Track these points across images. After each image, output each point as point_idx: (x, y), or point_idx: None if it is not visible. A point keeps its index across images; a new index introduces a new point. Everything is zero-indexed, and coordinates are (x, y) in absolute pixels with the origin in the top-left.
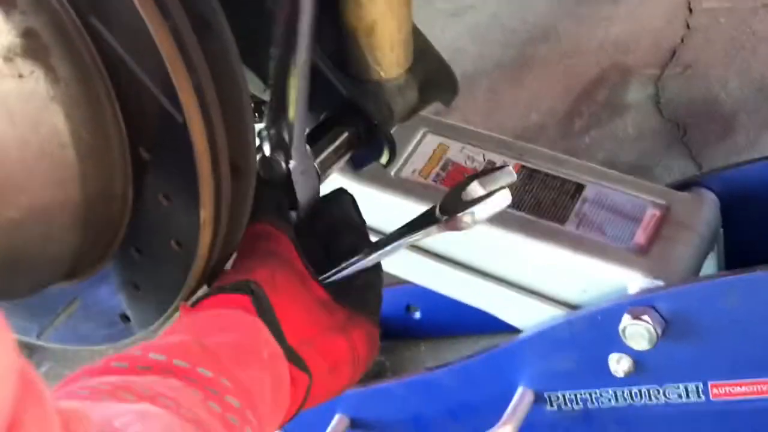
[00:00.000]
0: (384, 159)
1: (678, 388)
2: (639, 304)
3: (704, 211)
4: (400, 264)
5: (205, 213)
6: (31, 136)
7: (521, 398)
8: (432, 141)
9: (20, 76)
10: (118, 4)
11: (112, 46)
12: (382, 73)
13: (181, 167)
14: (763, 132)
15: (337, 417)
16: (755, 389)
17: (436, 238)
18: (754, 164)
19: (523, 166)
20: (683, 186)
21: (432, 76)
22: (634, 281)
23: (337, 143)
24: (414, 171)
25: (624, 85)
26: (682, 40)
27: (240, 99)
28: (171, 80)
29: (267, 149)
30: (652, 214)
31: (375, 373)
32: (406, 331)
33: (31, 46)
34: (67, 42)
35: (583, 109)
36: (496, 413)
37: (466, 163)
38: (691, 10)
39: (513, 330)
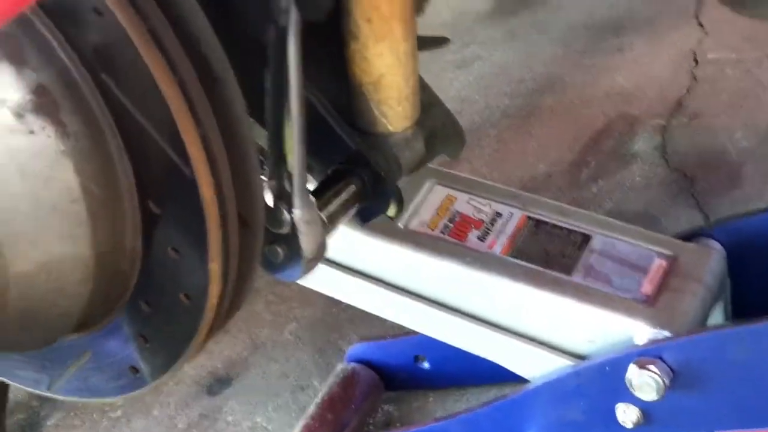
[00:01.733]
0: (391, 212)
1: None
2: (646, 355)
3: (711, 262)
4: (409, 315)
5: (214, 266)
6: (42, 191)
7: None
8: (440, 192)
9: (31, 132)
10: (127, 59)
11: (121, 101)
12: (389, 126)
13: (189, 220)
14: None
15: None
16: None
17: (443, 289)
18: (761, 215)
19: (529, 217)
20: (690, 236)
21: (439, 128)
22: (641, 331)
23: (344, 195)
24: (422, 222)
25: (630, 134)
26: (688, 91)
27: (246, 152)
28: (179, 134)
29: (270, 200)
30: (659, 264)
31: (383, 424)
32: (414, 382)
33: (42, 103)
34: (77, 97)
35: (590, 159)
36: None
37: (473, 214)
38: (696, 61)
39: (521, 380)
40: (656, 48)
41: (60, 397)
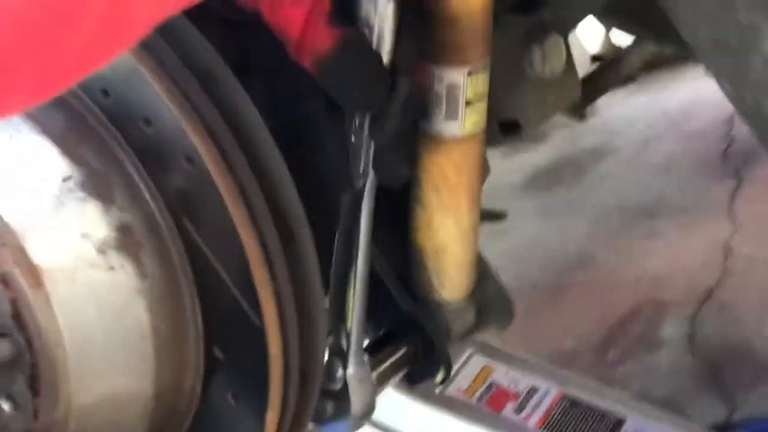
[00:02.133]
0: (439, 378)
1: None
2: None
3: None
4: None
5: (272, 415)
6: (115, 326)
7: None
8: (478, 362)
9: (111, 268)
10: (211, 208)
11: (200, 247)
12: (444, 295)
13: (253, 370)
14: None
15: None
16: None
17: None
18: None
19: (564, 395)
20: (722, 428)
21: (490, 300)
22: None
23: (395, 358)
24: (459, 389)
25: (659, 319)
26: (719, 282)
27: (316, 308)
28: (254, 286)
29: (326, 356)
30: None
31: None
32: None
33: (125, 241)
34: (158, 240)
35: (618, 340)
36: None
37: (509, 386)
38: (727, 254)
39: None
40: (689, 236)
41: None
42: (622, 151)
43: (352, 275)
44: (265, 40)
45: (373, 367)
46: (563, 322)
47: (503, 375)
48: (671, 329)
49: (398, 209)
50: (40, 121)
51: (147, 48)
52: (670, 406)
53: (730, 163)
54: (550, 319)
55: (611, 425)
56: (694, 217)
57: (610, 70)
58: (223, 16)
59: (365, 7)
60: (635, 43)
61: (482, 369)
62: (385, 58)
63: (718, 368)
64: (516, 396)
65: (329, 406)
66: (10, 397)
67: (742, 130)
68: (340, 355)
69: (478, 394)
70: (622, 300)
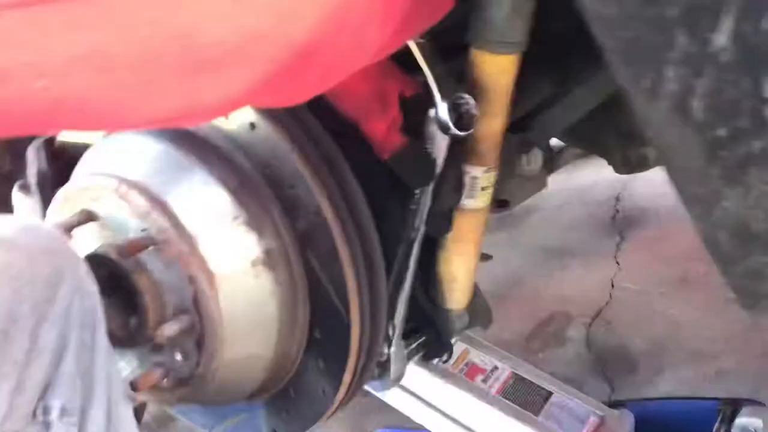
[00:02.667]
0: (444, 358)
1: None
2: None
3: (626, 423)
4: (424, 419)
5: (347, 377)
6: (255, 313)
7: None
8: (460, 347)
9: (257, 276)
10: (325, 245)
11: (314, 268)
12: (451, 306)
13: (338, 347)
14: (655, 375)
15: None
16: None
17: (453, 407)
18: (656, 402)
19: (515, 373)
20: (614, 405)
21: (477, 310)
22: None
23: (417, 343)
24: (449, 365)
25: (566, 325)
26: (606, 303)
27: (380, 312)
28: (346, 294)
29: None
30: (593, 420)
31: None
32: None
33: (268, 261)
34: (288, 261)
35: (539, 336)
36: None
37: (479, 364)
38: (613, 285)
39: None
40: (587, 272)
41: None
42: (546, 210)
43: (402, 290)
44: (357, 143)
45: (406, 348)
46: (503, 322)
47: (476, 356)
48: (574, 332)
49: (430, 250)
50: (224, 180)
51: (295, 141)
52: (572, 384)
53: (616, 226)
54: (495, 319)
55: (544, 396)
56: (591, 259)
57: (551, 164)
58: (332, 127)
59: (430, 129)
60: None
61: (462, 351)
62: (439, 159)
63: (603, 361)
64: (483, 371)
65: (376, 371)
66: (183, 352)
67: (624, 204)
68: (387, 340)
69: (459, 368)
70: (542, 310)
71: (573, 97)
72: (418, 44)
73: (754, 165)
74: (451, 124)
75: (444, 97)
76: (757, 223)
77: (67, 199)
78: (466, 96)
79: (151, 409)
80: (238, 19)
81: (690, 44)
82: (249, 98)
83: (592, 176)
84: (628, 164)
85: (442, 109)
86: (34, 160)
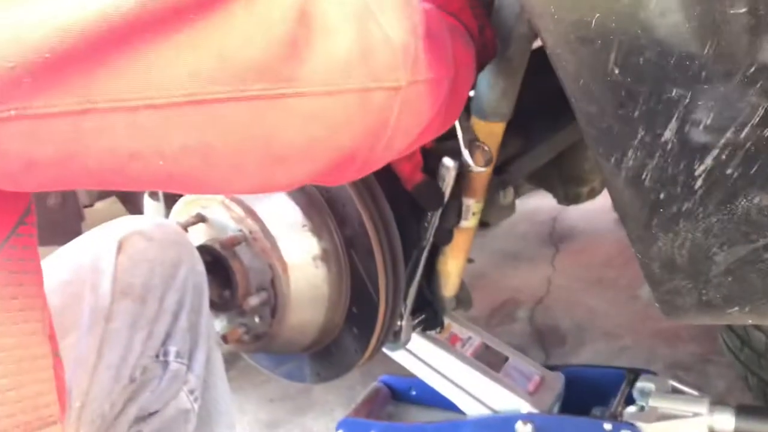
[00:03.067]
0: (438, 329)
1: None
2: (525, 418)
3: (559, 382)
4: (419, 370)
5: (374, 339)
6: (313, 292)
7: None
8: (445, 321)
9: (316, 267)
10: (364, 246)
11: (355, 262)
12: (446, 293)
13: (369, 320)
14: (579, 347)
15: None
16: None
17: (438, 363)
18: (581, 367)
19: (483, 342)
20: (550, 368)
21: (462, 296)
22: (525, 407)
23: (419, 319)
24: (437, 334)
25: (516, 308)
26: (546, 294)
27: (399, 296)
28: (377, 282)
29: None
30: (536, 377)
31: (387, 416)
32: (406, 400)
33: (324, 256)
34: (337, 257)
35: (496, 315)
36: None
37: (459, 334)
38: (550, 282)
39: (462, 413)
40: (532, 272)
41: (273, 374)
42: (503, 226)
43: (413, 281)
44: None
45: (412, 321)
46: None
47: (456, 329)
48: (522, 313)
49: (433, 255)
50: (296, 199)
51: None
52: (520, 350)
53: (553, 239)
54: None
55: (503, 359)
56: (535, 262)
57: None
58: None
59: (443, 171)
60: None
61: (447, 324)
62: (447, 192)
63: (542, 336)
64: (461, 340)
65: (392, 337)
66: (261, 317)
67: (559, 224)
68: (400, 316)
69: (445, 336)
70: (499, 296)
71: (536, 151)
72: None
73: (682, 219)
74: (471, 163)
75: (466, 144)
76: (681, 259)
77: (185, 206)
78: (484, 144)
79: (223, 350)
80: (306, 129)
81: (646, 136)
82: (306, 181)
83: (537, 202)
84: (567, 198)
85: (465, 153)
86: None
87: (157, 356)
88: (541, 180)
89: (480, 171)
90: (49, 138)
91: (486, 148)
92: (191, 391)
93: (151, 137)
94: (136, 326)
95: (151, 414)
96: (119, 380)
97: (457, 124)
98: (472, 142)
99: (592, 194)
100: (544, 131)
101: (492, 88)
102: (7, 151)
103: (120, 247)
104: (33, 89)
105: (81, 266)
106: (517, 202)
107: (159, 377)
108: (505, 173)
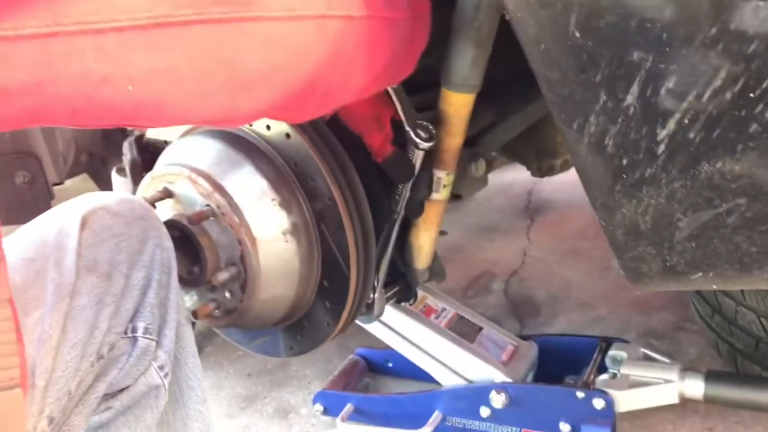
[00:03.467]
0: (411, 301)
1: (508, 428)
2: (499, 388)
3: (532, 351)
4: (394, 342)
5: (345, 314)
6: (283, 267)
7: (436, 417)
8: (420, 293)
9: (286, 241)
10: (334, 220)
11: (326, 235)
12: (419, 265)
13: (341, 292)
14: (553, 317)
15: (348, 405)
16: None
17: (412, 335)
18: (554, 336)
19: (457, 313)
20: (524, 337)
21: (435, 268)
22: (498, 376)
23: (392, 291)
24: (411, 306)
25: (492, 280)
26: (521, 266)
27: (370, 268)
28: (348, 255)
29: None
30: (510, 347)
31: (364, 388)
32: (383, 371)
33: (294, 230)
34: (307, 231)
35: (472, 287)
36: (423, 421)
37: (433, 306)
38: (525, 254)
39: (437, 383)
40: (508, 244)
41: (246, 349)
42: (479, 200)
43: (385, 254)
44: (360, 150)
45: (385, 294)
46: (448, 276)
47: (431, 301)
48: (497, 285)
49: (405, 227)
50: (265, 172)
51: (316, 147)
52: (495, 321)
53: (528, 212)
54: None
55: (477, 329)
56: (510, 234)
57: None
58: (343, 138)
59: (411, 147)
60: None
61: (422, 297)
62: (417, 164)
63: (517, 306)
64: (436, 311)
65: (364, 310)
66: (231, 291)
67: (534, 197)
68: (373, 288)
69: (419, 308)
70: (475, 268)
71: (508, 123)
72: (394, 90)
73: (645, 185)
74: (417, 140)
75: (409, 124)
76: (644, 225)
77: (152, 181)
78: (425, 122)
79: (199, 327)
80: (266, 53)
81: (608, 101)
82: (269, 113)
83: (512, 176)
84: (540, 170)
85: (409, 132)
86: (128, 152)
87: (125, 332)
88: (515, 153)
89: (425, 147)
90: (20, 62)
91: (427, 124)
92: (161, 367)
93: (119, 60)
94: (102, 303)
95: (120, 390)
96: (86, 357)
97: (395, 98)
98: (413, 118)
99: (566, 166)
100: (516, 103)
101: (461, 58)
102: None
103: (84, 223)
104: (1, 11)
105: (44, 243)
106: (493, 176)
107: (127, 354)
108: (477, 145)
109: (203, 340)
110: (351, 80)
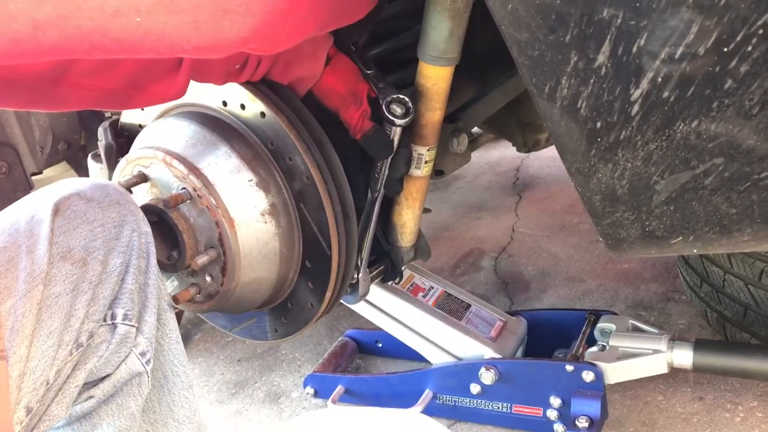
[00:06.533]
0: (396, 280)
1: (499, 404)
2: (488, 364)
3: (521, 327)
4: (383, 322)
5: (329, 294)
6: (263, 248)
7: (426, 395)
8: (407, 272)
9: (265, 222)
10: (314, 200)
11: (305, 215)
12: (403, 243)
13: (323, 273)
14: (542, 293)
15: (339, 387)
16: (531, 410)
17: (401, 314)
18: (543, 311)
19: (445, 291)
20: (513, 313)
21: (420, 246)
22: (487, 353)
23: (378, 270)
24: (399, 284)
25: (480, 257)
26: (509, 243)
27: (352, 247)
28: (329, 235)
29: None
30: (498, 323)
31: (354, 369)
32: (373, 352)
33: (272, 211)
34: (287, 211)
35: (461, 265)
36: (414, 400)
37: (421, 285)
38: (513, 230)
39: (427, 362)
40: (496, 221)
41: (231, 334)
42: (466, 178)
43: (368, 233)
44: (337, 128)
45: (369, 273)
46: (437, 255)
47: (418, 279)
48: (486, 262)
49: (388, 205)
50: (241, 153)
51: (293, 126)
52: (484, 298)
53: (516, 189)
54: (431, 253)
55: (465, 306)
56: (498, 211)
57: (473, 144)
58: (320, 117)
59: (387, 124)
60: (482, 132)
61: (409, 275)
62: (395, 140)
63: (506, 283)
64: (423, 290)
65: (349, 290)
66: (211, 275)
67: (522, 173)
68: (356, 268)
69: (406, 287)
70: (464, 246)
71: (489, 97)
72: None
73: (620, 148)
74: (390, 117)
75: (383, 99)
76: (621, 190)
77: (127, 165)
78: (402, 96)
79: (187, 315)
80: None
81: (579, 61)
82: (249, 42)
83: (500, 153)
84: (526, 146)
85: (384, 108)
86: (103, 137)
87: (104, 320)
88: (500, 128)
89: (401, 123)
90: None
91: (403, 97)
92: (142, 354)
93: None
94: (77, 290)
95: (101, 379)
96: (63, 346)
97: (372, 86)
98: (388, 94)
99: (551, 140)
100: (498, 77)
101: (438, 30)
102: (14, 11)
103: (57, 210)
104: None
105: (16, 231)
106: (481, 153)
107: (107, 341)
108: (459, 120)
109: (192, 328)
110: (310, 15)
